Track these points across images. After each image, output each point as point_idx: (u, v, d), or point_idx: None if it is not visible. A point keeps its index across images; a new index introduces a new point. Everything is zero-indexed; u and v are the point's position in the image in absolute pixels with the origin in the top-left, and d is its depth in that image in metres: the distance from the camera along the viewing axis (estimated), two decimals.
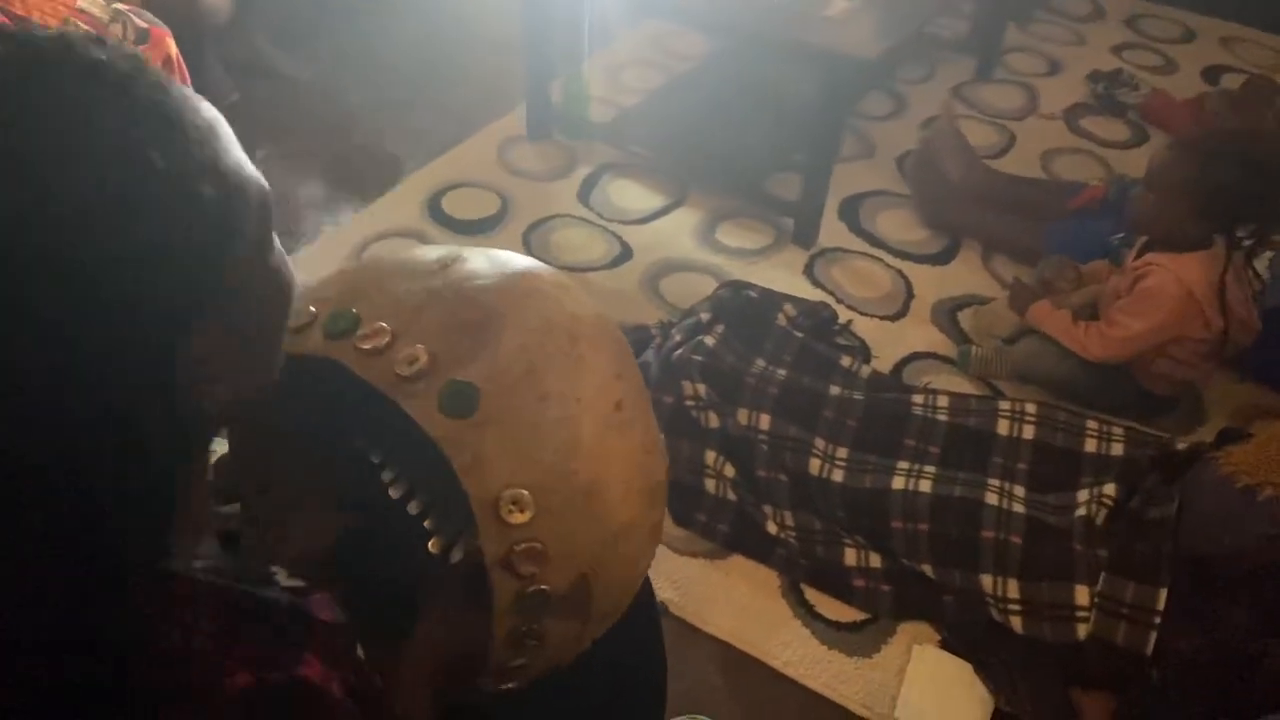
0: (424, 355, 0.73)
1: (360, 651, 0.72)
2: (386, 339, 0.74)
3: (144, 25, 1.84)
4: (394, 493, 0.86)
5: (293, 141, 2.58)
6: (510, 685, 0.81)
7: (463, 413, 0.72)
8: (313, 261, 2.20)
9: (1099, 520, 1.59)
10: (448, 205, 2.41)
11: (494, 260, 0.84)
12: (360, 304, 0.78)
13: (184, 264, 0.53)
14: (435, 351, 0.74)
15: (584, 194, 2.49)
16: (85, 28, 1.74)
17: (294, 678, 0.56)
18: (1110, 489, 1.63)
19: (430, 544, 0.84)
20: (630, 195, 2.49)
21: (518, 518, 0.72)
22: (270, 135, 2.59)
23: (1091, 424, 1.81)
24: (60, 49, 0.51)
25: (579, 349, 0.78)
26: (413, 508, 0.86)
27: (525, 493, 0.72)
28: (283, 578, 0.72)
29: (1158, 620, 1.47)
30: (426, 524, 0.85)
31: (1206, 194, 1.73)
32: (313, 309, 0.78)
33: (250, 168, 0.60)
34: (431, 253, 0.84)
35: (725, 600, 1.62)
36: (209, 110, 0.57)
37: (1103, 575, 1.53)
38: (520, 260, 0.85)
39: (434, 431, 0.71)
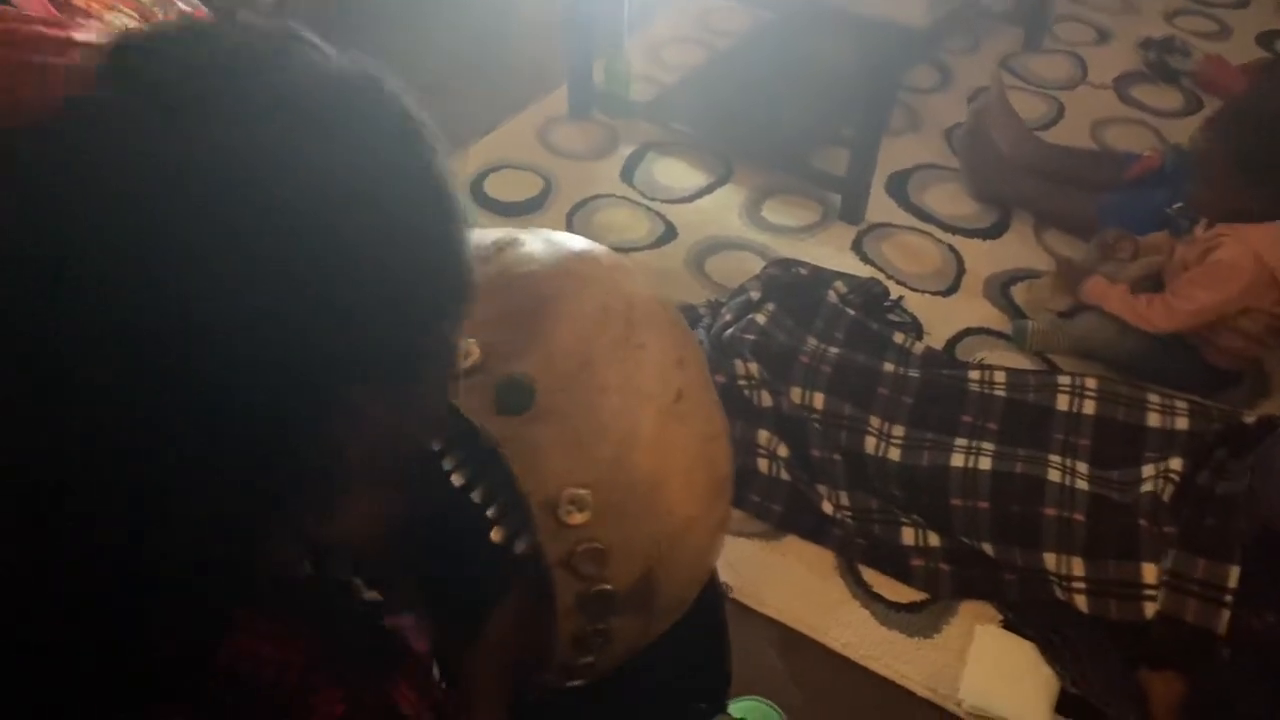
0: (476, 349, 0.70)
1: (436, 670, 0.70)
2: None
3: (187, 9, 1.83)
4: (456, 480, 0.84)
5: None
6: (577, 682, 0.80)
7: (518, 409, 0.69)
8: None
9: (1166, 496, 1.55)
10: (491, 188, 2.40)
11: (549, 243, 0.80)
12: None
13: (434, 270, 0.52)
14: (488, 344, 0.71)
15: (627, 173, 2.46)
16: (131, 14, 1.74)
17: (388, 705, 0.53)
18: (1177, 464, 1.59)
19: (493, 534, 0.82)
20: (674, 173, 2.47)
21: (577, 518, 0.69)
22: None
23: (1154, 398, 1.77)
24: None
25: (637, 336, 0.75)
26: (476, 496, 0.83)
27: (584, 492, 0.70)
28: (362, 589, 0.70)
29: (1229, 598, 1.44)
30: (490, 513, 0.83)
31: (1247, 164, 1.69)
32: None
33: None
34: (488, 236, 0.82)
35: (781, 581, 1.60)
36: None
37: (1171, 552, 1.49)
38: (576, 242, 0.82)
39: (489, 429, 0.69)
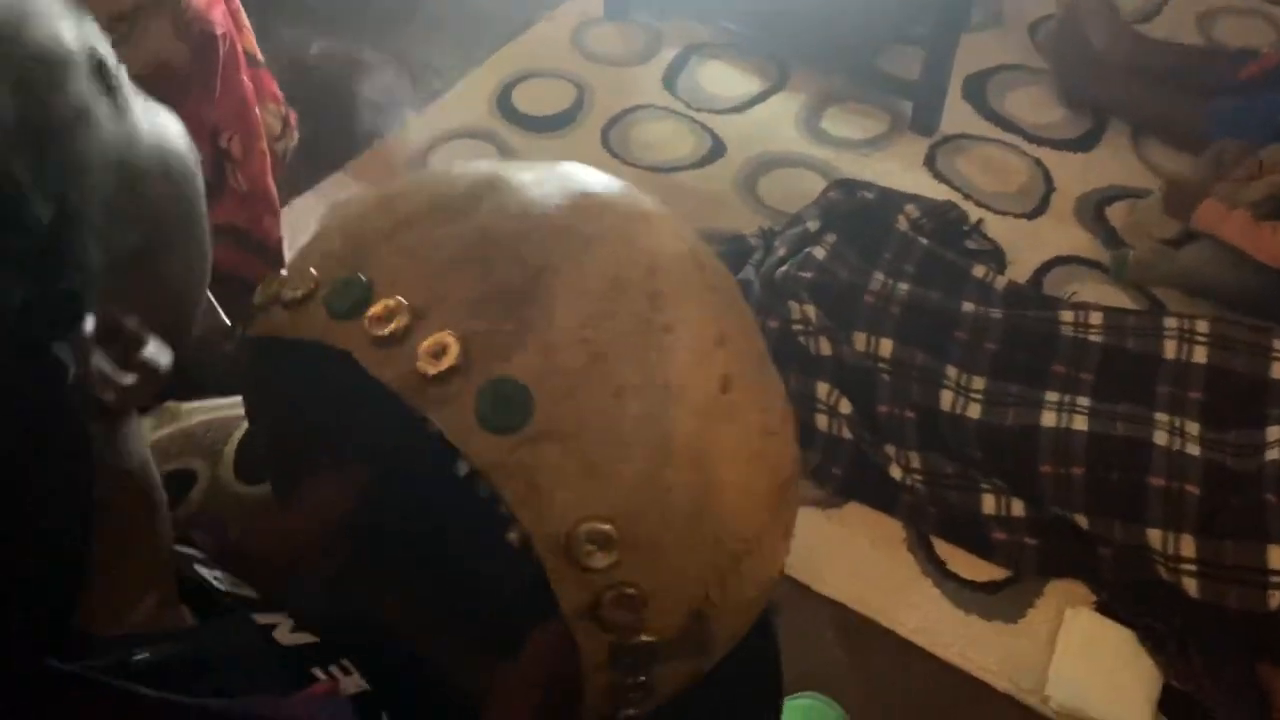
0: (454, 345, 0.52)
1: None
2: (405, 320, 0.53)
3: None
4: (460, 469, 0.67)
5: (350, 32, 2.36)
6: None
7: (511, 425, 0.52)
8: (373, 169, 2.01)
9: None
10: (519, 99, 2.18)
11: (541, 185, 0.61)
12: (372, 265, 0.56)
13: None
14: (468, 336, 0.53)
15: (669, 80, 2.22)
16: None
17: None
18: None
19: (510, 536, 0.65)
20: (723, 80, 2.22)
21: (601, 559, 0.52)
22: (325, 25, 2.37)
23: None
24: None
25: (663, 314, 0.56)
26: (482, 488, 0.66)
27: (607, 526, 0.52)
28: (284, 632, 0.55)
29: None
30: (501, 509, 0.66)
31: None
32: (314, 271, 0.57)
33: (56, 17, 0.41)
34: (461, 179, 0.62)
35: (842, 556, 1.43)
36: None
37: None
38: (578, 180, 0.62)
39: (475, 453, 0.51)
